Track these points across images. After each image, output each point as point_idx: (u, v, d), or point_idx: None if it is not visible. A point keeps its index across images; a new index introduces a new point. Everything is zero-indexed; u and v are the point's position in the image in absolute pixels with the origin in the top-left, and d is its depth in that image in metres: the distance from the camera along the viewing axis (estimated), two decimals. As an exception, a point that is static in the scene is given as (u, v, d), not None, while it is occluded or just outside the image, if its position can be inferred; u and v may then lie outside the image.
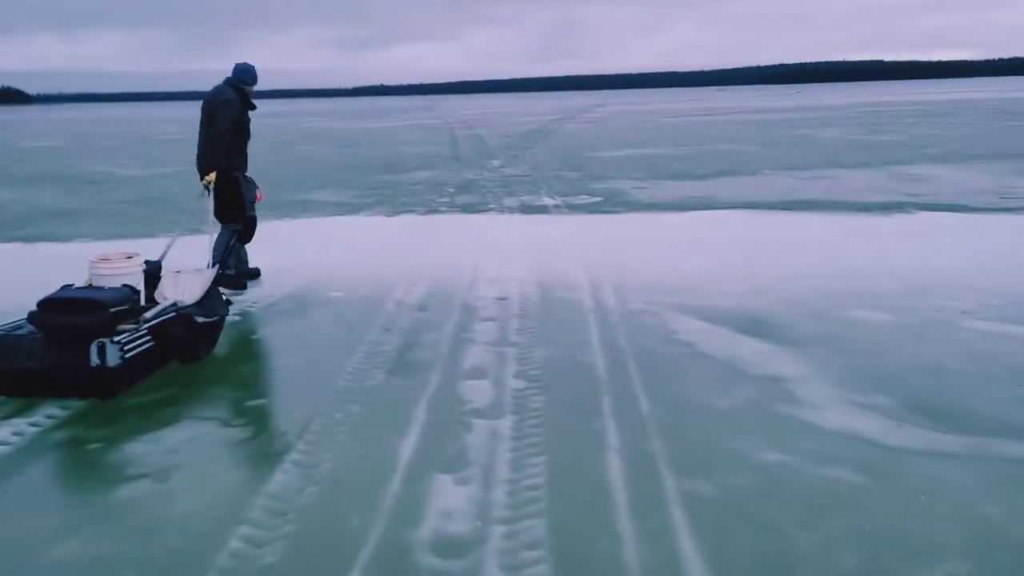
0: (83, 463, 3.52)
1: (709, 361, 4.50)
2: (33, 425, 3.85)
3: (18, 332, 4.28)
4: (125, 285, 4.52)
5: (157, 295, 4.89)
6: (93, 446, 3.63)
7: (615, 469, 3.23)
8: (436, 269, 7.10)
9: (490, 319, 5.50)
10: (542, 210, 10.74)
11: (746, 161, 16.38)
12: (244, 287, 6.49)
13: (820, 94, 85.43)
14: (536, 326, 5.30)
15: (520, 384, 4.22)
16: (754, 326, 5.12)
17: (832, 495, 3.02)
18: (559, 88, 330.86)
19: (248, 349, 5.18)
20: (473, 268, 7.10)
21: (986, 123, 26.94)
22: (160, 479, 3.27)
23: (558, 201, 11.45)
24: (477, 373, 4.41)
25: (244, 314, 5.82)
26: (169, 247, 5.48)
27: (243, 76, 6.52)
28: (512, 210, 10.83)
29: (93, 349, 3.99)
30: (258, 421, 3.94)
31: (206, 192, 6.19)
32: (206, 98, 6.49)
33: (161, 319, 4.45)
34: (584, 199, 11.65)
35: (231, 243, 6.11)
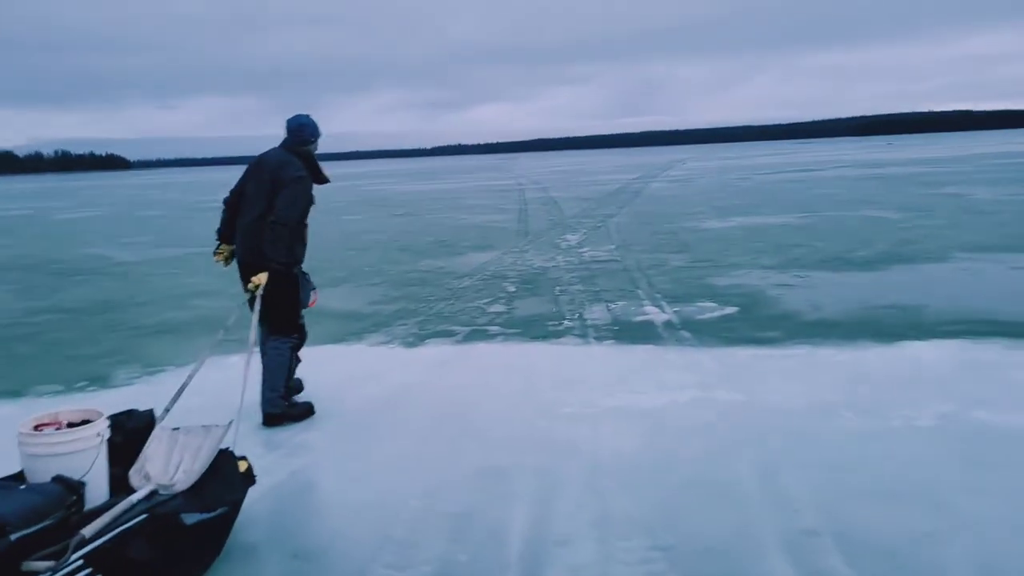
0: None
1: None
2: None
3: None
4: (56, 478, 2.68)
5: (135, 475, 2.99)
6: None
7: None
8: (461, 559, 3.22)
9: None
10: (647, 332, 6.79)
11: (909, 236, 12.12)
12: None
13: (916, 145, 79.65)
14: None
15: None
16: None
17: None
18: (636, 144, 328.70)
19: None
20: (544, 556, 3.19)
21: None
22: None
23: (669, 314, 7.47)
24: None
25: None
26: (184, 386, 3.67)
27: (304, 134, 4.80)
28: (599, 331, 6.91)
29: None
30: None
31: (251, 297, 4.50)
32: (260, 164, 4.77)
33: (114, 533, 2.56)
34: (708, 308, 7.65)
35: (292, 363, 4.88)
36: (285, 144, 4.83)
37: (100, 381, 6.12)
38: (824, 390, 4.95)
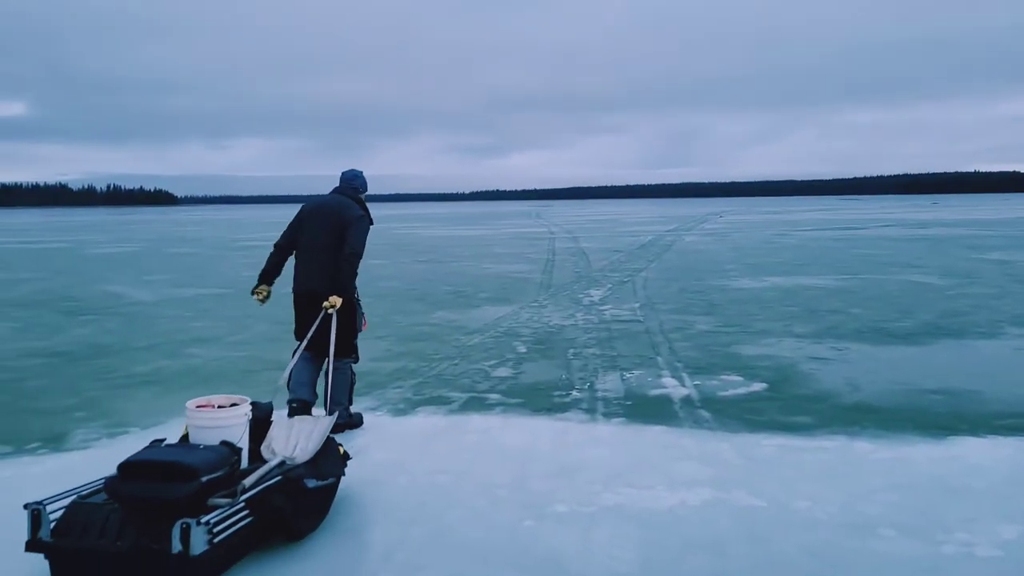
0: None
1: None
2: None
3: (93, 500, 3.27)
4: (224, 442, 3.53)
5: (265, 449, 3.85)
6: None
7: None
8: None
9: None
10: (662, 411, 6.11)
11: (956, 306, 11.29)
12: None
13: (961, 206, 78.02)
14: None
15: None
16: None
17: None
18: (674, 195, 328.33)
19: None
20: None
21: None
22: None
23: (689, 388, 6.78)
24: None
25: None
26: (287, 379, 5.14)
27: (356, 183, 5.62)
28: (609, 406, 6.24)
29: (175, 532, 2.96)
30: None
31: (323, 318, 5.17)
32: (321, 207, 5.51)
33: (263, 487, 3.41)
34: (732, 383, 6.95)
35: (353, 379, 5.71)
36: (339, 191, 5.57)
37: (54, 442, 5.58)
38: (861, 498, 4.22)
